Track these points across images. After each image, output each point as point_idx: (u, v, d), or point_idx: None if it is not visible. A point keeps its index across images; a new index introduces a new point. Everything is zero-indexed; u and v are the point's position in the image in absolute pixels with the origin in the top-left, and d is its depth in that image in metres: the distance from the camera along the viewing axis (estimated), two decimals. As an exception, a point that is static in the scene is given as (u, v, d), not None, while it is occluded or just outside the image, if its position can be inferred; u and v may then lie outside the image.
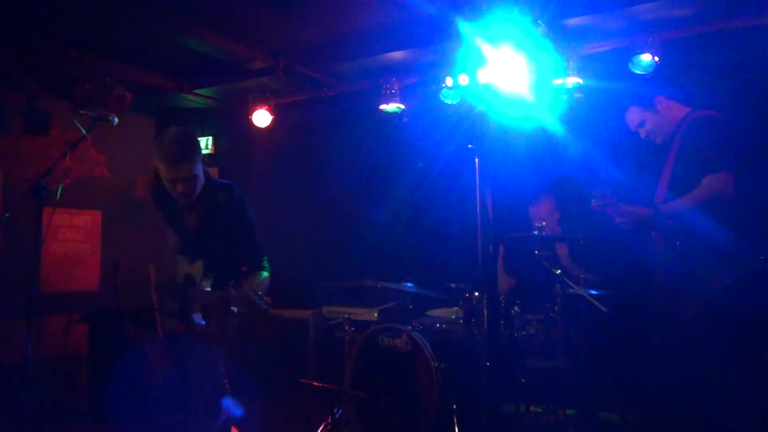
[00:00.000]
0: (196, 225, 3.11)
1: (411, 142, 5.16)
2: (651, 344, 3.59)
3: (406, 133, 5.17)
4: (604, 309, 3.60)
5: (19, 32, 4.41)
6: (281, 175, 5.99)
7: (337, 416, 4.04)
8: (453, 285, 4.20)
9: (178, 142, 2.88)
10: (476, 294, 4.02)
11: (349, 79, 5.31)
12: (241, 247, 3.08)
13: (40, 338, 5.13)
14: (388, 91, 4.95)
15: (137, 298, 5.06)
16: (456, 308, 4.26)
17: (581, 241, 4.13)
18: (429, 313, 4.45)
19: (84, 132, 3.15)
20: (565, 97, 4.36)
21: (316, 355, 4.81)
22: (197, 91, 5.65)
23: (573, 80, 4.27)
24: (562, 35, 4.19)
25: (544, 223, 4.19)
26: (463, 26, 4.17)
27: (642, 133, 3.52)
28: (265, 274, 3.17)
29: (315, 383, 4.20)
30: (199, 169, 2.93)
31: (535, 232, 4.10)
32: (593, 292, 3.78)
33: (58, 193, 3.00)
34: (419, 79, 5.04)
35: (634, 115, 3.53)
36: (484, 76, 4.46)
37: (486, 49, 4.25)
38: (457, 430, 3.66)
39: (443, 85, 4.74)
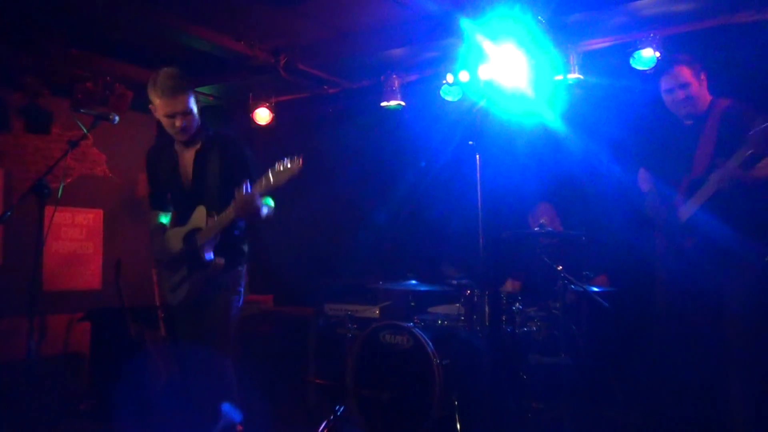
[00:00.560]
0: (193, 169, 3.15)
1: (412, 139, 5.16)
2: (653, 341, 3.59)
3: (407, 130, 5.17)
4: (605, 304, 3.60)
5: (20, 31, 4.41)
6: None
7: (339, 413, 4.04)
8: (455, 282, 4.21)
9: (173, 77, 2.99)
10: (477, 290, 4.02)
11: (350, 76, 5.30)
12: (241, 183, 3.02)
13: (43, 337, 5.14)
14: (389, 89, 4.95)
15: (139, 297, 5.08)
16: (458, 305, 4.26)
17: (583, 238, 4.13)
18: (431, 309, 4.46)
19: (85, 131, 3.16)
20: (565, 93, 4.35)
21: (317, 352, 4.81)
22: (198, 89, 5.64)
23: (574, 76, 4.26)
24: (562, 31, 4.18)
25: (544, 220, 4.19)
26: (464, 23, 4.16)
27: (681, 94, 3.27)
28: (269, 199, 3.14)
29: (317, 380, 4.21)
30: (194, 105, 3.07)
31: (537, 228, 4.10)
32: (595, 288, 3.78)
33: (60, 192, 3.01)
34: (420, 76, 5.04)
35: (683, 74, 3.28)
36: (485, 72, 4.46)
37: (487, 45, 4.24)
38: (458, 426, 3.67)
39: (444, 81, 4.74)
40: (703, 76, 3.30)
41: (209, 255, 3.06)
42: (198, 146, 3.17)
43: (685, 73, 3.29)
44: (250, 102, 5.45)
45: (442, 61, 4.75)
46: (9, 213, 2.85)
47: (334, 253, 5.56)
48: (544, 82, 4.31)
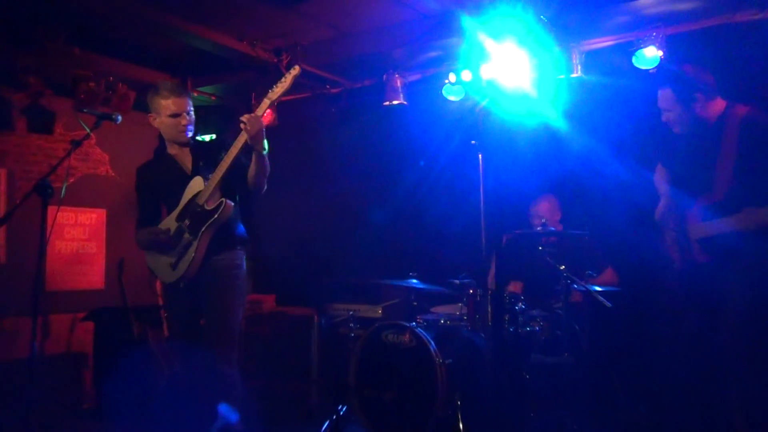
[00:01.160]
0: (193, 165, 3.33)
1: (414, 138, 5.15)
2: (657, 341, 3.58)
3: (409, 129, 5.17)
4: (608, 304, 3.59)
5: (23, 31, 4.42)
6: (284, 172, 5.97)
7: (341, 413, 4.05)
8: (457, 281, 4.20)
9: (175, 83, 3.35)
10: (480, 290, 4.02)
11: (352, 76, 5.30)
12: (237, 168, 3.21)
13: (46, 336, 5.15)
14: (391, 88, 4.94)
15: (142, 296, 5.08)
16: (460, 304, 4.26)
17: (586, 238, 4.12)
18: (433, 309, 4.45)
19: (88, 130, 3.17)
20: (568, 92, 4.34)
21: (320, 352, 4.81)
22: (200, 89, 5.66)
23: (576, 76, 4.25)
24: (565, 30, 4.17)
25: (544, 220, 4.19)
26: (466, 22, 4.16)
27: (665, 117, 3.21)
28: None
29: (319, 380, 4.21)
30: (192, 110, 3.31)
31: (539, 228, 4.10)
32: (598, 288, 3.78)
33: (63, 192, 3.01)
34: (422, 76, 5.03)
35: (667, 99, 3.18)
36: (487, 72, 4.45)
37: (489, 44, 4.24)
38: (461, 426, 3.67)
39: (446, 81, 4.73)
40: (702, 102, 3.07)
41: (214, 204, 3.18)
42: (192, 146, 3.38)
43: (668, 98, 3.17)
44: (253, 102, 5.45)
45: (445, 61, 4.75)
46: (12, 213, 2.86)
47: (336, 253, 5.56)
48: (546, 81, 4.31)
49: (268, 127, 3.15)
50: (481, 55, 4.36)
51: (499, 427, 3.79)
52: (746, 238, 2.96)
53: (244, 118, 3.06)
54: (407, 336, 3.88)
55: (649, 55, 3.99)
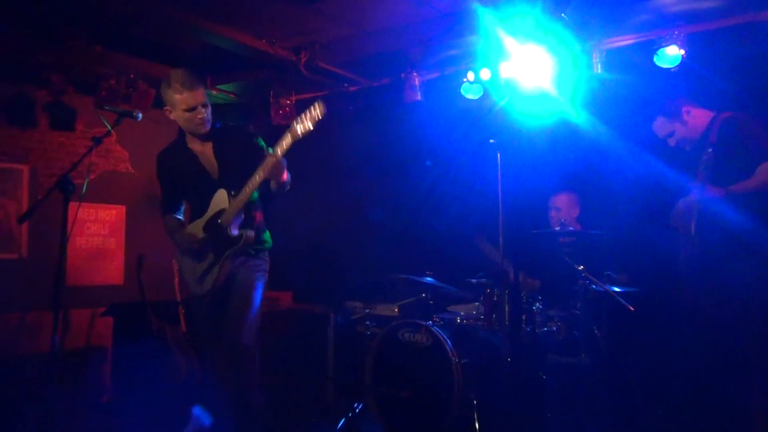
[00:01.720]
0: (218, 160, 3.29)
1: (432, 137, 5.14)
2: (676, 342, 3.55)
3: (427, 128, 5.15)
4: (631, 308, 3.56)
5: (45, 29, 4.47)
6: (302, 170, 5.96)
7: (357, 411, 4.06)
8: (474, 280, 4.19)
9: (187, 72, 3.14)
10: (497, 290, 4.00)
11: (370, 74, 5.30)
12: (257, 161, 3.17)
13: (66, 330, 5.22)
14: (409, 86, 4.93)
15: (161, 292, 5.13)
16: (477, 304, 4.24)
17: (604, 237, 4.09)
18: (450, 308, 4.44)
19: (109, 128, 3.20)
20: (588, 91, 4.30)
21: (336, 349, 4.82)
22: (219, 87, 5.68)
23: (597, 74, 4.21)
24: (585, 29, 4.13)
25: (563, 219, 4.15)
26: (486, 20, 4.13)
27: (671, 142, 3.49)
28: None
29: (336, 378, 4.21)
30: (208, 99, 3.24)
31: (557, 228, 4.06)
32: (617, 288, 3.74)
33: (84, 188, 3.05)
34: (440, 74, 5.01)
35: (662, 126, 3.50)
36: (506, 70, 4.42)
37: (508, 43, 4.21)
38: (477, 425, 3.65)
39: (465, 79, 4.71)
40: (691, 113, 3.39)
41: (236, 231, 3.18)
42: (213, 139, 3.32)
43: (662, 125, 3.49)
44: (271, 100, 5.46)
45: (463, 59, 4.72)
46: (34, 209, 2.89)
47: (353, 251, 5.56)
48: (566, 80, 4.27)
49: (286, 126, 3.14)
50: (500, 53, 4.33)
51: (516, 428, 3.77)
52: (758, 231, 3.00)
53: (267, 159, 3.02)
54: (423, 334, 3.87)
55: (671, 54, 3.94)
